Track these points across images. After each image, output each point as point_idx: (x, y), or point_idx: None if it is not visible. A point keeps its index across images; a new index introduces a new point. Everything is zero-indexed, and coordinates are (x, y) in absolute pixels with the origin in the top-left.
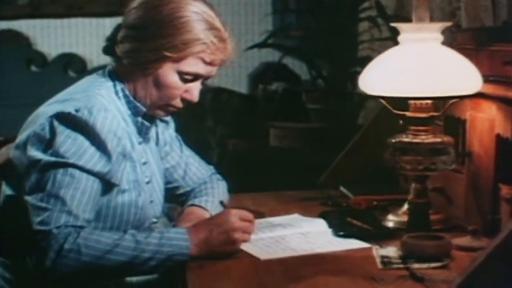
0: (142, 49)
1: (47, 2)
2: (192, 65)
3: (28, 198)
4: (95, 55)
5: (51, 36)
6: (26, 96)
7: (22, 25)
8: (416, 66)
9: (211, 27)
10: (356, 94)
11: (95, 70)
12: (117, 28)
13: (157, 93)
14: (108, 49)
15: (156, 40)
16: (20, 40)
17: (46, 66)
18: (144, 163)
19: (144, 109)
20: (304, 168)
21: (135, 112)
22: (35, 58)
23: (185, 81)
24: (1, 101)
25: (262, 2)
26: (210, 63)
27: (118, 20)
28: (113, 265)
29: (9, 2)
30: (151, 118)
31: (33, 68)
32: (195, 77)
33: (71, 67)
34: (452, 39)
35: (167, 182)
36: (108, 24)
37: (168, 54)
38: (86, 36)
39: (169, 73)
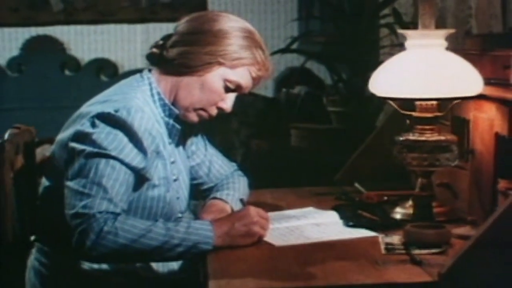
0: (196, 52)
1: (80, 9)
2: (240, 76)
3: (70, 184)
4: (126, 60)
5: (84, 41)
6: (60, 99)
7: (57, 31)
8: (422, 70)
9: (260, 47)
10: (375, 98)
11: (126, 74)
12: (165, 37)
13: (199, 96)
14: (152, 55)
15: (212, 46)
16: (55, 45)
17: (79, 70)
18: (173, 162)
19: (177, 112)
20: (323, 167)
21: (168, 115)
22: (69, 62)
23: (227, 90)
24: (36, 103)
25: (287, 9)
26: (253, 79)
27: (148, 26)
28: (145, 248)
29: (45, 9)
30: (181, 122)
31: (67, 72)
32: (237, 88)
33: (103, 72)
34: (462, 45)
35: (192, 179)
36: (139, 30)
37: (221, 60)
38: (117, 42)
39: (216, 79)
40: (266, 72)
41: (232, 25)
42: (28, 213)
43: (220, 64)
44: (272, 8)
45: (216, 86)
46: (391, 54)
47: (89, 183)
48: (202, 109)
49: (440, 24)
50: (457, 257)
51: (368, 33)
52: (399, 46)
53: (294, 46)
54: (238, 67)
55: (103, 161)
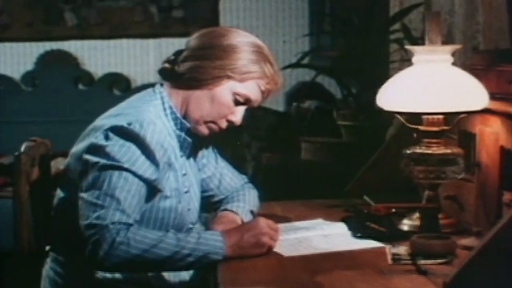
0: (207, 66)
1: (94, 24)
2: (249, 89)
3: (84, 195)
4: (139, 75)
5: (97, 56)
6: (74, 112)
7: (71, 46)
8: (428, 84)
9: (269, 61)
10: (384, 112)
11: (138, 88)
12: (177, 52)
13: (209, 109)
14: (164, 70)
15: (222, 60)
16: (69, 60)
17: (92, 84)
18: (184, 174)
19: (188, 125)
20: (333, 180)
21: (180, 128)
22: (83, 77)
23: (236, 103)
24: (50, 117)
25: (299, 24)
26: (262, 92)
27: (161, 41)
28: (156, 258)
29: (59, 24)
30: (192, 135)
31: (81, 86)
32: (246, 101)
33: (116, 86)
34: (470, 60)
35: (203, 191)
36: (151, 45)
37: (230, 74)
38: (130, 57)
39: (226, 92)
40: (275, 86)
41: (241, 40)
42: (43, 224)
43: (229, 77)
44: (283, 23)
45: (226, 99)
46: (400, 69)
47: (102, 195)
48: (212, 122)
49: (448, 40)
50: (461, 266)
51: (378, 48)
52: (408, 61)
53: (305, 60)
54: (247, 80)
55: (116, 173)
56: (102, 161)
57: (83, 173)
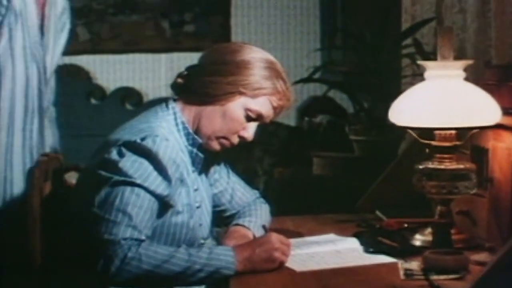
0: (219, 82)
1: (106, 39)
2: (260, 105)
3: (97, 211)
4: (150, 89)
5: (110, 70)
6: (86, 127)
7: (83, 60)
8: (441, 100)
9: (281, 77)
10: (396, 126)
11: (150, 103)
12: (190, 67)
13: (221, 124)
14: (177, 85)
15: (234, 76)
16: (81, 74)
17: (104, 99)
18: (196, 190)
19: (200, 141)
20: (345, 195)
21: (192, 144)
22: (95, 91)
23: (248, 119)
24: (62, 131)
25: (310, 39)
26: (274, 108)
27: (172, 55)
28: (168, 274)
29: (72, 39)
30: (204, 151)
31: (93, 100)
32: (258, 117)
33: (128, 100)
34: (482, 75)
35: (215, 206)
36: (163, 60)
37: (243, 90)
38: (142, 71)
39: (238, 108)
40: (287, 102)
41: (254, 55)
42: (55, 238)
43: (241, 93)
44: (295, 38)
45: (238, 115)
46: (412, 84)
47: (114, 211)
48: (224, 137)
49: (460, 55)
50: (474, 282)
51: (390, 62)
52: (420, 75)
53: (317, 75)
54: (259, 96)
55: (128, 189)
56: (115, 177)
57: (96, 188)
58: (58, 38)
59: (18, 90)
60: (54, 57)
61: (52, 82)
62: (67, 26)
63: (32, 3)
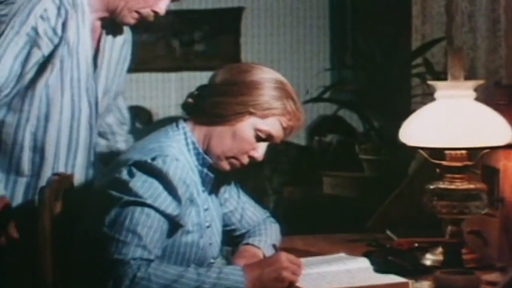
0: (229, 102)
1: None
2: (270, 125)
3: (107, 230)
4: (160, 108)
5: None
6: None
7: None
8: (451, 120)
9: (291, 98)
10: (407, 146)
11: (160, 122)
12: (200, 88)
13: (230, 144)
14: (187, 105)
15: (244, 96)
16: None
17: None
18: (206, 209)
19: (210, 161)
20: (355, 214)
21: (202, 163)
22: None
23: (258, 139)
24: None
25: (320, 59)
26: (284, 128)
27: (183, 74)
28: None
29: None
30: (214, 170)
31: None
32: (268, 137)
33: (138, 119)
34: (493, 95)
35: (225, 225)
36: (173, 79)
37: (252, 110)
38: (152, 90)
39: (247, 128)
40: (297, 122)
41: (264, 76)
42: (65, 257)
43: (251, 113)
44: (305, 57)
45: (247, 135)
46: (423, 103)
47: (124, 231)
48: (234, 157)
49: (471, 74)
50: None
51: (400, 82)
52: (431, 95)
53: (327, 94)
54: (268, 117)
55: (138, 209)
56: (125, 197)
57: (106, 208)
58: (120, 70)
59: (64, 123)
60: (111, 90)
61: (124, 113)
62: (128, 58)
63: (87, 35)
